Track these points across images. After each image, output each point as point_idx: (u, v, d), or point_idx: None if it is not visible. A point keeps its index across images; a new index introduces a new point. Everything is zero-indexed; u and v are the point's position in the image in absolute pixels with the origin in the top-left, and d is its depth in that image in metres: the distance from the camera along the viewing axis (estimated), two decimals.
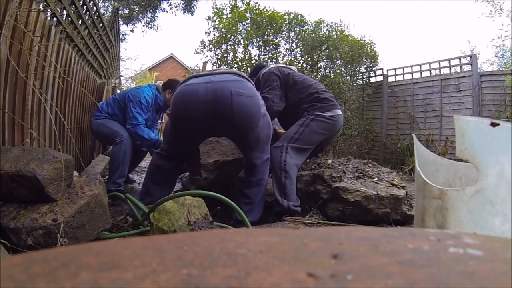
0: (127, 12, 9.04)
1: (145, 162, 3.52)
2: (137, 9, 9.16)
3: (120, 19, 8.78)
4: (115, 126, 2.57)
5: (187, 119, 1.56)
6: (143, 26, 9.47)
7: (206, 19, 4.90)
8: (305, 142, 2.04)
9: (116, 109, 2.65)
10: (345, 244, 0.24)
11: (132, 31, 9.57)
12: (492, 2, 10.52)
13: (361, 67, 5.84)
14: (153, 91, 2.75)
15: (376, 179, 1.98)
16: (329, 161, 2.15)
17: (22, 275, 0.19)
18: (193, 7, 9.27)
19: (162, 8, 9.25)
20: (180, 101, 1.56)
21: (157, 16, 9.52)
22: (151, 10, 9.24)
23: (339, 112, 2.25)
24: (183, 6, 9.19)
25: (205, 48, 4.88)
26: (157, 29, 9.62)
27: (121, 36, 8.80)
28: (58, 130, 1.99)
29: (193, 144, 1.86)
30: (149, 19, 9.43)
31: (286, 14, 5.10)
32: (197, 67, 6.36)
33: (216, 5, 4.91)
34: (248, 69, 4.86)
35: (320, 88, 2.27)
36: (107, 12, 7.61)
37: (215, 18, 4.86)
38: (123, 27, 9.05)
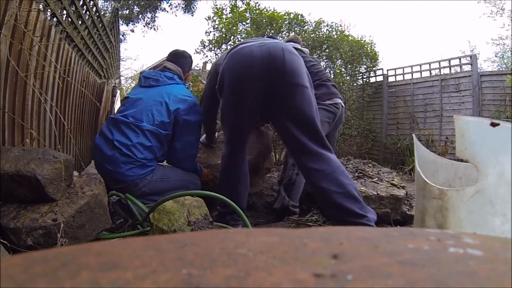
0: (127, 12, 9.05)
1: None
2: (137, 9, 9.16)
3: (120, 19, 8.80)
4: (180, 173, 1.86)
5: (244, 79, 1.53)
6: (144, 26, 9.49)
7: (206, 19, 4.90)
8: None
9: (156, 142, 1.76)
10: (345, 244, 0.24)
11: (132, 31, 9.58)
12: (494, 2, 10.54)
13: (361, 67, 5.83)
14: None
15: (376, 179, 1.98)
16: None
17: (22, 275, 0.19)
18: (193, 7, 9.28)
19: (162, 8, 9.27)
20: (236, 62, 1.55)
21: (157, 17, 9.54)
22: (151, 10, 9.25)
23: (339, 101, 2.20)
24: (183, 6, 9.20)
25: (205, 48, 4.88)
26: (157, 29, 9.63)
27: (121, 36, 8.82)
28: (58, 130, 1.99)
29: (250, 119, 1.67)
30: (149, 19, 9.45)
31: (286, 14, 5.10)
32: (197, 67, 6.35)
33: (216, 5, 4.91)
34: None
35: (323, 77, 2.24)
36: (107, 12, 7.61)
37: (215, 18, 4.86)
38: (123, 27, 9.07)
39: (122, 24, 8.94)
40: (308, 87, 1.58)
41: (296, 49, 2.02)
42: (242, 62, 1.53)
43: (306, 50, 2.33)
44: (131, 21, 9.25)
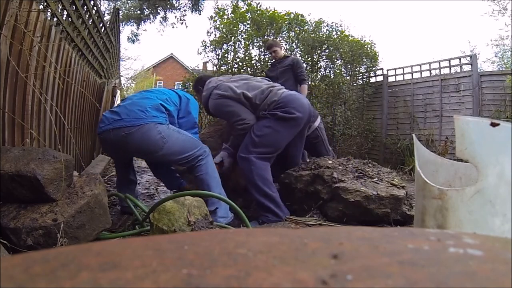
0: (138, 12, 9.07)
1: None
2: (148, 9, 9.18)
3: (131, 20, 8.89)
4: (190, 135, 2.00)
5: (303, 120, 2.04)
6: (163, 25, 9.51)
7: (209, 19, 4.93)
8: None
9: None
10: (345, 244, 0.24)
11: (145, 30, 9.63)
12: (497, 1, 10.51)
13: (361, 67, 5.84)
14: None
15: (376, 179, 1.98)
16: (329, 161, 2.15)
17: (22, 275, 0.19)
18: (200, 6, 9.23)
19: (176, 8, 9.27)
20: (298, 105, 2.02)
21: (175, 16, 9.49)
22: (164, 10, 9.26)
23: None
24: (190, 5, 9.16)
25: (206, 48, 4.90)
26: (179, 25, 9.59)
27: (133, 37, 8.96)
28: (58, 130, 1.99)
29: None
30: (161, 19, 9.46)
31: (287, 14, 5.11)
32: (198, 67, 6.37)
33: (218, 5, 4.93)
34: (248, 69, 4.88)
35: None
36: (107, 11, 7.64)
37: (216, 18, 4.88)
38: (133, 28, 9.19)
39: (133, 25, 9.07)
40: None
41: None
42: (305, 107, 2.04)
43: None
44: (143, 21, 9.29)
